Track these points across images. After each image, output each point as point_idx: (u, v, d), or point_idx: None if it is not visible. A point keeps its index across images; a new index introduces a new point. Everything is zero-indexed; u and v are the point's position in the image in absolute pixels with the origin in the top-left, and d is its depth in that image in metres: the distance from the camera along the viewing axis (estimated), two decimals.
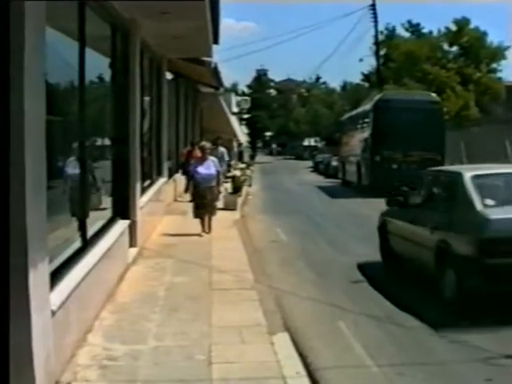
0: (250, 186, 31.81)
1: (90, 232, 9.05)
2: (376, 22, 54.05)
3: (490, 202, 9.59)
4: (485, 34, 60.56)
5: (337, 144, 41.90)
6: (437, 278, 9.88)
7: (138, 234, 12.95)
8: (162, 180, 18.52)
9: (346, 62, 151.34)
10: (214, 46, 17.46)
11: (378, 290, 10.89)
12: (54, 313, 6.08)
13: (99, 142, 11.56)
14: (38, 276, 5.50)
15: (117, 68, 11.98)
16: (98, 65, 10.82)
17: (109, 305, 9.29)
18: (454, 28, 61.06)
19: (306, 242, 16.46)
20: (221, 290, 10.30)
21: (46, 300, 5.89)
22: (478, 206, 9.44)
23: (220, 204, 20.45)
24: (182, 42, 15.75)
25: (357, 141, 33.55)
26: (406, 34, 67.08)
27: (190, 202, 16.80)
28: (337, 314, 9.55)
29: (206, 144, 17.07)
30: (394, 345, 8.16)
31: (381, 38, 60.61)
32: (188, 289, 10.40)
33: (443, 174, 12.16)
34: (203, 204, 15.78)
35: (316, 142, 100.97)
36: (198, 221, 15.90)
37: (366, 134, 31.23)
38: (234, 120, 49.94)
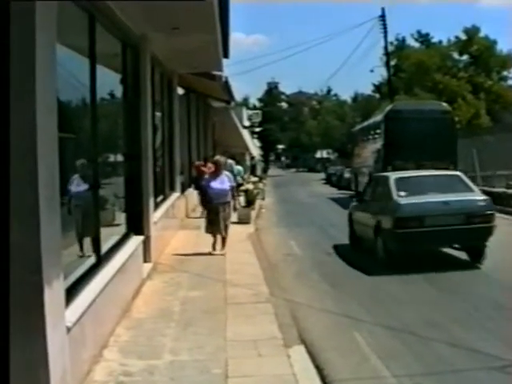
0: (263, 199, 31.81)
1: (105, 248, 9.07)
2: (386, 32, 54.06)
3: (402, 193, 14.27)
4: (494, 42, 60.53)
5: (349, 156, 41.86)
6: (374, 246, 14.68)
7: (152, 249, 12.96)
8: (175, 195, 18.55)
9: (356, 74, 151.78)
10: (225, 60, 17.56)
11: (341, 259, 15.76)
12: (69, 329, 6.08)
13: (112, 158, 11.60)
14: (53, 292, 5.50)
15: (128, 84, 12.03)
16: (109, 81, 10.87)
17: (124, 320, 9.29)
18: (463, 37, 61.06)
19: (320, 254, 16.48)
20: (236, 304, 10.28)
21: (61, 316, 5.89)
22: (395, 196, 14.23)
23: (234, 218, 20.49)
24: (192, 56, 15.84)
25: (369, 152, 33.48)
26: (416, 44, 67.13)
27: (203, 217, 16.09)
28: (352, 324, 9.53)
29: (221, 158, 16.74)
30: (410, 354, 8.11)
31: (391, 48, 60.69)
32: (203, 303, 10.38)
33: (380, 177, 16.85)
34: (216, 220, 15.04)
35: (328, 154, 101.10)
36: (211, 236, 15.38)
37: (378, 144, 31.16)
38: (245, 134, 49.96)
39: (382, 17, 53.58)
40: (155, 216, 13.76)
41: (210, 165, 19.17)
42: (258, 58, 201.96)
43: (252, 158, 65.97)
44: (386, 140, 29.88)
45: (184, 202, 21.49)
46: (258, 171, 60.94)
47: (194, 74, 20.31)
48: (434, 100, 44.45)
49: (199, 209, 15.70)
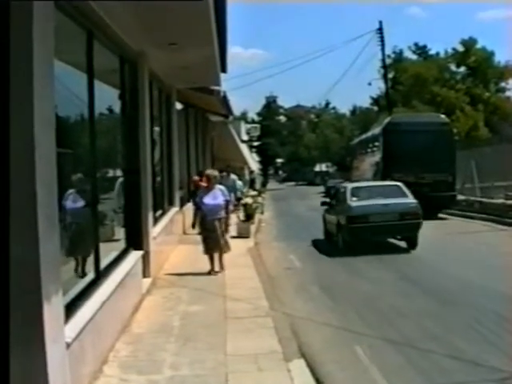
0: (262, 213, 31.75)
1: (104, 263, 9.07)
2: (383, 45, 54.17)
3: (354, 199, 19.24)
4: (492, 53, 60.77)
5: (348, 169, 41.94)
6: (336, 239, 19.76)
7: (152, 264, 12.95)
8: (174, 209, 18.56)
9: (354, 87, 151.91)
10: (223, 75, 17.64)
11: (317, 250, 20.03)
12: (69, 345, 6.07)
13: (111, 173, 11.60)
14: (52, 308, 5.50)
15: (126, 99, 12.05)
16: (108, 96, 10.89)
17: (124, 335, 9.27)
18: (461, 49, 61.28)
19: (319, 267, 16.50)
20: (236, 319, 10.26)
21: (60, 332, 5.89)
22: (349, 201, 19.19)
23: (233, 232, 20.47)
24: (190, 71, 15.87)
25: (368, 165, 33.56)
26: (414, 57, 67.39)
27: (199, 234, 15.15)
28: (352, 338, 9.50)
29: (213, 172, 15.90)
30: (412, 368, 8.07)
31: (389, 61, 60.88)
32: (203, 318, 10.37)
33: (342, 187, 21.93)
34: (211, 238, 14.39)
35: (327, 167, 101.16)
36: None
37: (377, 157, 31.25)
38: (244, 148, 50.05)
39: (380, 30, 53.74)
40: (154, 231, 13.76)
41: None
42: (256, 72, 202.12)
43: (251, 172, 66.04)
44: (385, 153, 29.97)
45: (183, 217, 21.48)
46: (257, 185, 60.95)
47: (192, 88, 20.36)
48: (433, 112, 44.62)
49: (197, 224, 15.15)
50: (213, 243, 14.40)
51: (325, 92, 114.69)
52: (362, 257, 17.34)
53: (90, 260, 8.51)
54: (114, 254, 10.21)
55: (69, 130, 8.06)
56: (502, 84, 62.37)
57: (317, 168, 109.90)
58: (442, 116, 33.70)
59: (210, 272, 14.30)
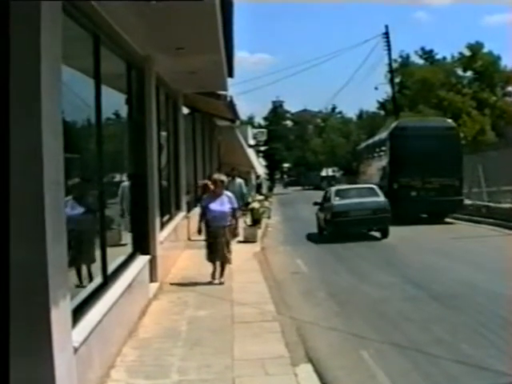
0: (269, 217, 31.75)
1: (111, 268, 9.08)
2: (389, 50, 54.16)
3: (337, 198, 23.95)
4: (498, 57, 60.68)
5: (354, 173, 41.90)
6: (325, 231, 24.28)
7: (159, 269, 12.95)
8: (181, 214, 18.56)
9: (361, 91, 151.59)
10: (229, 80, 17.64)
11: (309, 240, 24.24)
12: (76, 349, 6.08)
13: (118, 178, 11.62)
14: (59, 313, 5.51)
15: (133, 104, 12.07)
16: (115, 101, 10.92)
17: (131, 340, 9.28)
18: (467, 53, 61.20)
19: (326, 272, 16.48)
20: (243, 323, 10.26)
21: (68, 337, 5.89)
22: (333, 200, 23.83)
23: (240, 236, 20.45)
24: (197, 76, 15.89)
25: (374, 169, 33.52)
26: (420, 61, 67.34)
27: (205, 241, 14.48)
28: (359, 343, 9.49)
29: (220, 176, 15.02)
30: (418, 372, 8.06)
31: (395, 65, 60.82)
32: (210, 322, 10.37)
33: (329, 190, 26.56)
34: (215, 246, 13.91)
35: (334, 171, 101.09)
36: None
37: (384, 162, 31.20)
38: (251, 152, 50.01)
39: (386, 34, 53.74)
40: (161, 235, 13.76)
41: None
42: (263, 77, 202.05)
43: (257, 176, 66.01)
44: (392, 157, 29.93)
45: (190, 222, 21.47)
46: (264, 190, 60.91)
47: (199, 93, 20.39)
48: (439, 116, 44.58)
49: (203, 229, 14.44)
50: (216, 251, 13.91)
51: (331, 96, 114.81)
52: (371, 263, 17.55)
53: (97, 264, 8.52)
54: (121, 259, 10.22)
55: (76, 135, 8.08)
56: (509, 88, 62.29)
57: (323, 172, 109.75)
58: (449, 120, 33.66)
59: (211, 281, 13.84)
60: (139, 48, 11.72)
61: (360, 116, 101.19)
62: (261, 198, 33.62)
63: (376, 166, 33.27)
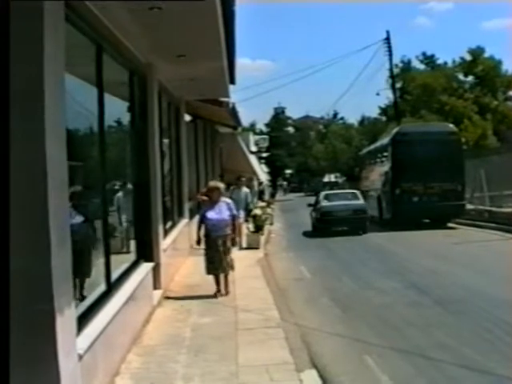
0: (271, 224, 31.75)
1: (115, 275, 9.09)
2: (391, 55, 54.23)
3: (325, 201, 29.59)
4: (500, 62, 60.70)
5: (357, 179, 41.86)
6: (314, 227, 29.87)
7: (162, 276, 12.96)
8: (183, 221, 18.57)
9: (363, 97, 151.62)
10: (231, 86, 17.64)
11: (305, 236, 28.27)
12: (81, 357, 6.09)
13: (120, 184, 11.62)
14: (64, 320, 5.52)
15: (135, 112, 12.09)
16: (117, 109, 10.94)
17: (135, 347, 9.29)
18: (468, 58, 61.22)
19: (330, 278, 16.46)
20: (247, 330, 10.25)
21: (73, 344, 5.91)
22: (322, 203, 29.49)
23: (243, 243, 20.47)
24: (198, 83, 15.92)
25: (377, 175, 33.52)
26: (421, 66, 67.37)
27: (204, 250, 13.74)
28: (363, 348, 9.49)
29: (217, 183, 14.56)
30: (422, 377, 8.06)
31: (396, 70, 60.86)
32: (214, 329, 10.37)
33: (319, 194, 32.02)
34: (214, 258, 13.26)
35: (336, 177, 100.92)
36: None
37: (386, 167, 31.20)
38: (253, 159, 50.05)
39: (387, 39, 53.78)
40: (165, 243, 13.76)
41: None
42: (265, 84, 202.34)
43: (260, 183, 66.02)
44: (394, 163, 29.94)
45: (189, 229, 21.46)
46: (266, 196, 60.94)
47: (201, 100, 20.40)
48: (441, 121, 44.59)
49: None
50: (216, 263, 13.29)
51: (333, 102, 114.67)
52: (374, 270, 17.54)
53: (101, 272, 8.53)
54: (124, 266, 10.23)
55: (79, 143, 8.10)
56: (510, 93, 62.29)
57: (325, 178, 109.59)
58: (451, 125, 33.66)
59: (216, 294, 13.19)
60: (141, 56, 11.76)
61: (362, 122, 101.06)
62: (263, 204, 33.64)
63: (378, 172, 33.28)
